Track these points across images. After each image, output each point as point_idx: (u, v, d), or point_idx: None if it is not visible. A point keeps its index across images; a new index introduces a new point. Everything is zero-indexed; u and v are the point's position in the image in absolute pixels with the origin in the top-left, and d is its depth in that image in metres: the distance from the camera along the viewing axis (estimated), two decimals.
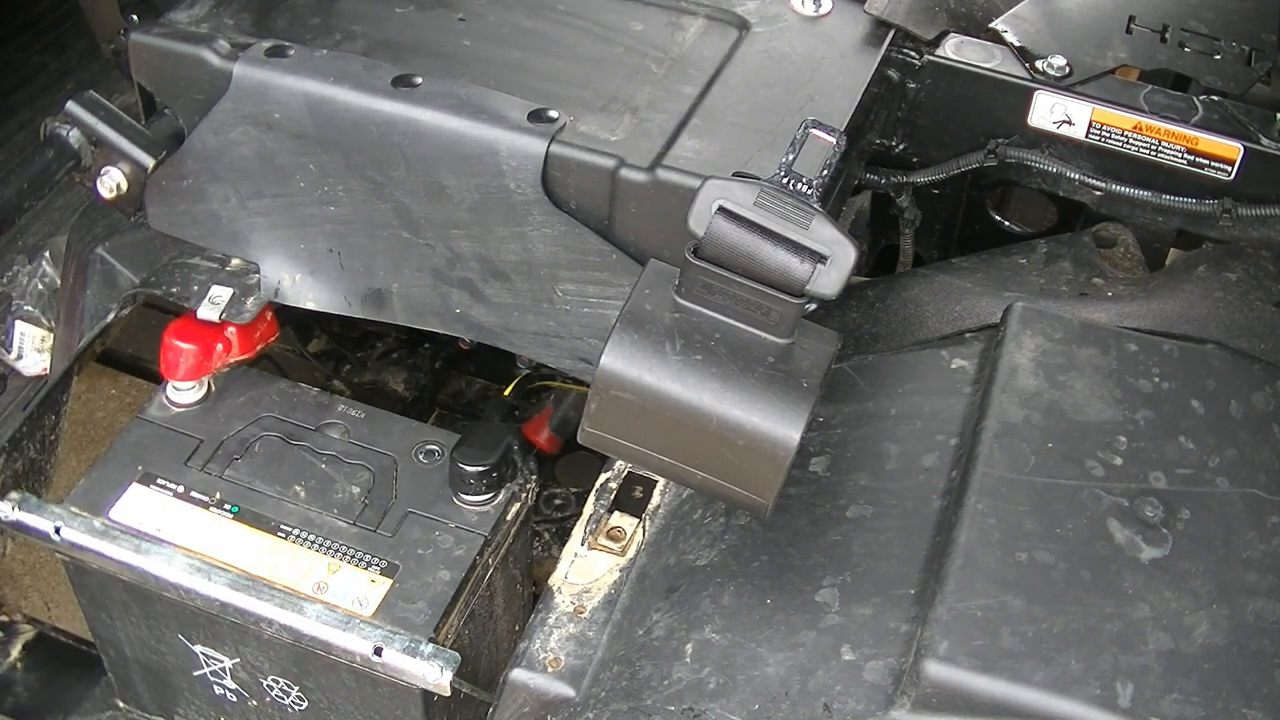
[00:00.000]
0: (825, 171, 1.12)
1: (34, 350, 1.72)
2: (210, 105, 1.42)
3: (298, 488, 1.44)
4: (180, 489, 1.44)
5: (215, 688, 1.51)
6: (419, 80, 1.39)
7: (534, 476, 1.47)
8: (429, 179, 1.38)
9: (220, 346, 1.51)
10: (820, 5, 1.57)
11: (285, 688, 1.45)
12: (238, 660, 1.45)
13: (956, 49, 1.59)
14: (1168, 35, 1.62)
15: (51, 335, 1.72)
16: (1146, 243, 1.62)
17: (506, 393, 1.89)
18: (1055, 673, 1.05)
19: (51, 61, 2.19)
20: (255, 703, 1.50)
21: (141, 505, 1.42)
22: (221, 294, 1.49)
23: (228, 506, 1.42)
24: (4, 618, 1.86)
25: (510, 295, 1.43)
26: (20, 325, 1.71)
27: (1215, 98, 1.54)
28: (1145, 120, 1.52)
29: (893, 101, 1.61)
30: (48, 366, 1.71)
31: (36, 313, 1.73)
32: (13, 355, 1.72)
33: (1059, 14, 1.64)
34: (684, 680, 1.15)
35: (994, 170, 1.61)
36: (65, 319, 1.67)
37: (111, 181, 1.44)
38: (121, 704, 1.65)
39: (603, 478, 1.44)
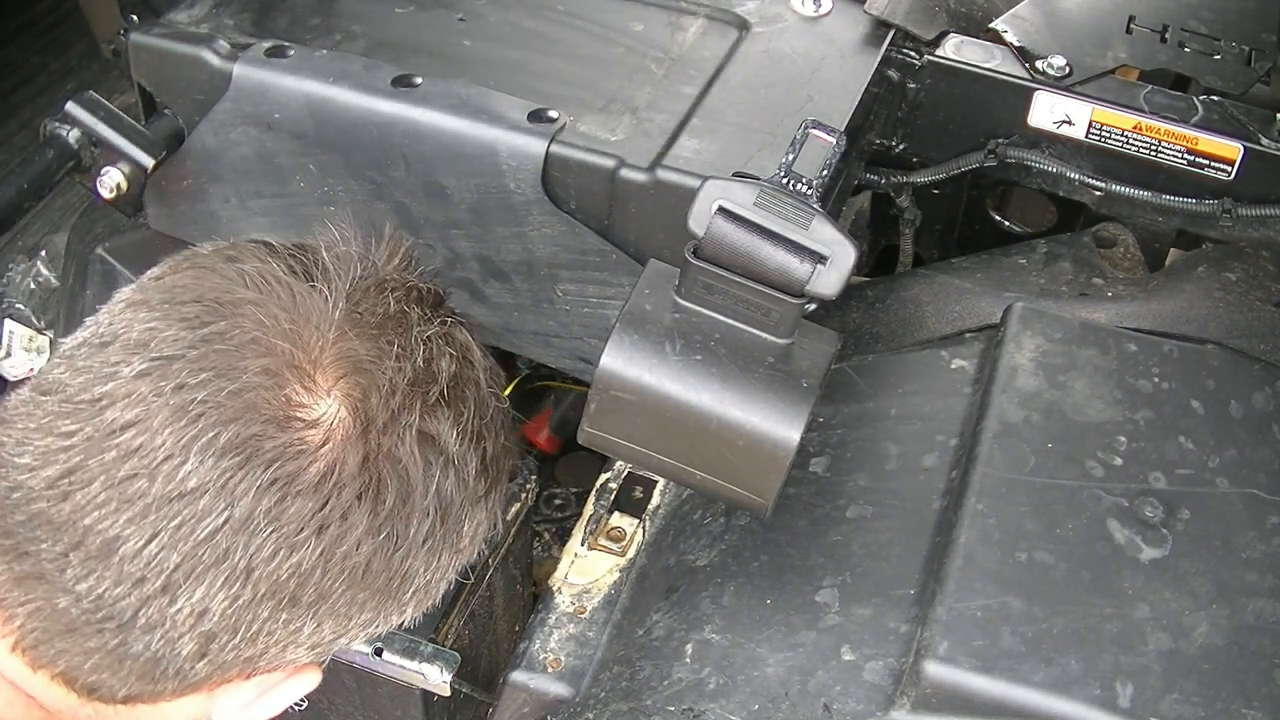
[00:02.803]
0: (825, 171, 1.12)
1: (22, 349, 1.71)
2: (210, 105, 1.42)
3: None
4: None
5: None
6: (419, 80, 1.39)
7: (534, 476, 1.47)
8: (429, 179, 1.38)
9: None
10: (820, 5, 1.57)
11: None
12: None
13: (956, 49, 1.58)
14: (1168, 35, 1.62)
15: (41, 335, 1.72)
16: (1146, 243, 1.62)
17: (506, 393, 1.89)
18: (1055, 673, 1.05)
19: (51, 61, 2.19)
20: None
21: None
22: None
23: None
24: None
25: (510, 295, 1.43)
26: (10, 324, 1.71)
27: (1215, 98, 1.54)
28: (1145, 120, 1.52)
29: (893, 101, 1.61)
30: (35, 367, 1.70)
31: (27, 312, 1.72)
32: (1, 354, 1.71)
33: (1059, 14, 1.64)
34: (684, 680, 1.15)
35: (994, 170, 1.61)
36: (65, 319, 1.67)
37: (111, 181, 1.44)
38: None
39: (603, 478, 1.44)
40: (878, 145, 1.64)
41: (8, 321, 1.71)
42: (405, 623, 0.95)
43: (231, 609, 0.82)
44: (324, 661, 0.94)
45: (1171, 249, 1.64)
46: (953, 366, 1.35)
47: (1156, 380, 1.28)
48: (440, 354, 0.88)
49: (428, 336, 0.88)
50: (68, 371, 0.85)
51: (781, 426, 1.09)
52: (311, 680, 0.95)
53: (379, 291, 0.88)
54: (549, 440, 1.89)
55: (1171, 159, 1.52)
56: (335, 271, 0.87)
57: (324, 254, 0.89)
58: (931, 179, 1.64)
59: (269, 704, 0.94)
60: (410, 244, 0.95)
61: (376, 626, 0.92)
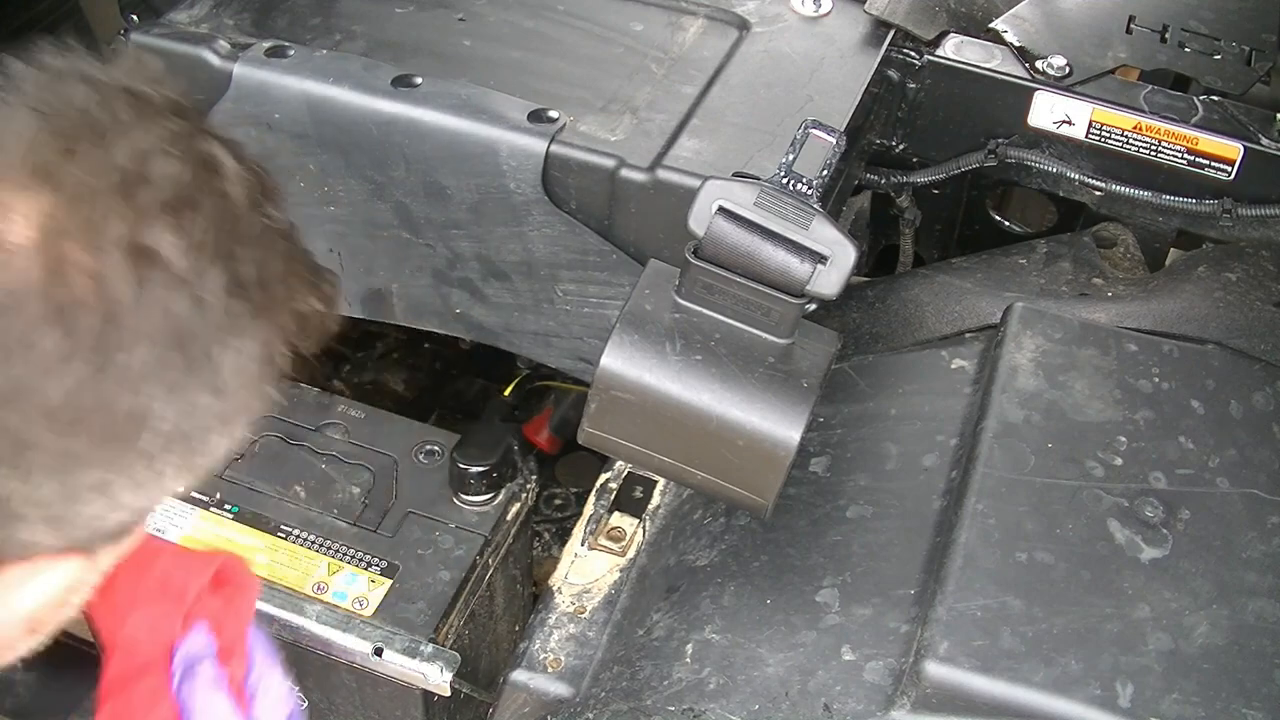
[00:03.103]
0: (825, 171, 1.12)
1: None
2: (210, 105, 1.42)
3: (298, 488, 1.44)
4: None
5: None
6: (419, 80, 1.39)
7: (534, 476, 1.47)
8: (429, 179, 1.38)
9: None
10: (820, 5, 1.57)
11: None
12: None
13: (956, 49, 1.58)
14: (1168, 35, 1.62)
15: None
16: (1146, 243, 1.62)
17: (506, 393, 1.88)
18: (1055, 673, 1.05)
19: None
20: None
21: None
22: None
23: (228, 506, 1.42)
24: None
25: (510, 295, 1.43)
26: None
27: (1215, 98, 1.54)
28: (1145, 120, 1.52)
29: (893, 101, 1.61)
30: None
31: None
32: None
33: (1059, 14, 1.64)
34: (684, 680, 1.15)
35: (994, 170, 1.61)
36: None
37: None
38: None
39: (603, 478, 1.44)
40: (878, 145, 1.64)
41: None
42: (175, 486, 0.81)
43: None
44: (86, 547, 0.81)
45: (1171, 249, 1.64)
46: (953, 366, 1.35)
47: (1156, 380, 1.28)
48: (161, 158, 0.76)
49: (146, 141, 0.77)
50: None
51: (781, 426, 1.09)
52: (68, 570, 0.82)
53: (86, 97, 0.77)
54: (549, 440, 1.88)
55: (1171, 159, 1.52)
56: (30, 80, 0.77)
57: (16, 64, 0.78)
58: (931, 179, 1.64)
59: (22, 599, 0.82)
60: (152, 58, 0.84)
61: (121, 490, 0.77)
